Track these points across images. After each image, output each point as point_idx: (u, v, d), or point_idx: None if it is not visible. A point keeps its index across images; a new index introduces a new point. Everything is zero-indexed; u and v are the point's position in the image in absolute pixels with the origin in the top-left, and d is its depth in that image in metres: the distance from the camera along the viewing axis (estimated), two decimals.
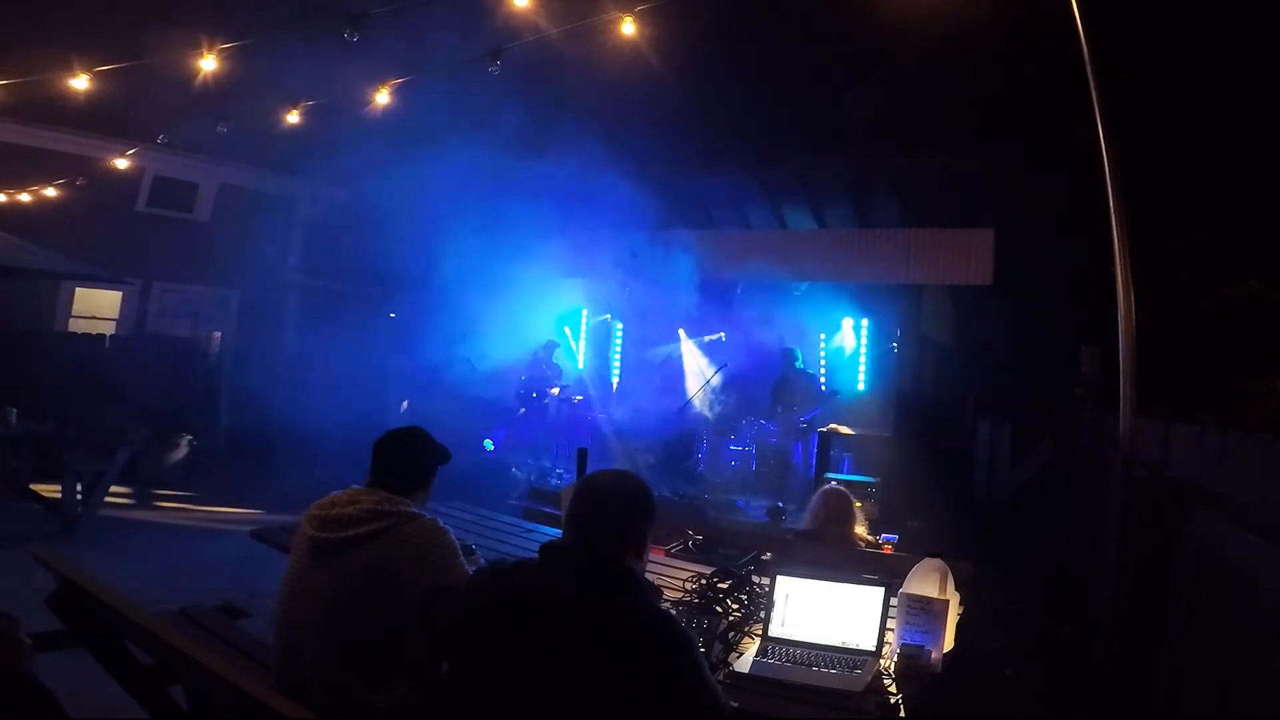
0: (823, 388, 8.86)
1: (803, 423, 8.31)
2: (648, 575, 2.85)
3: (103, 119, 7.76)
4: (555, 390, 9.58)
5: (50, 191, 8.03)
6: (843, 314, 10.02)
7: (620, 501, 1.76)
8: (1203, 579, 2.67)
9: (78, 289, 10.27)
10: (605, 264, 9.43)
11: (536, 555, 1.75)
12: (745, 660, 2.25)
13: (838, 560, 3.11)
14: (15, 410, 6.30)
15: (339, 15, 4.33)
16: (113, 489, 6.55)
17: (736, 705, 1.99)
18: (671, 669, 1.56)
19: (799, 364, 8.69)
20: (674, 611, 2.42)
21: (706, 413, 9.36)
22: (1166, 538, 3.03)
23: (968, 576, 2.75)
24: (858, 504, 3.86)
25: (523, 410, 9.59)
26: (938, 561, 2.45)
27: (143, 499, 7.72)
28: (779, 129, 8.01)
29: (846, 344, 10.15)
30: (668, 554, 3.32)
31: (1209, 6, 5.31)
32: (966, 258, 7.90)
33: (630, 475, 1.85)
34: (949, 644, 2.31)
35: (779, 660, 2.26)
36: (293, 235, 11.56)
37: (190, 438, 8.79)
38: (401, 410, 10.01)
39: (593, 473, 1.86)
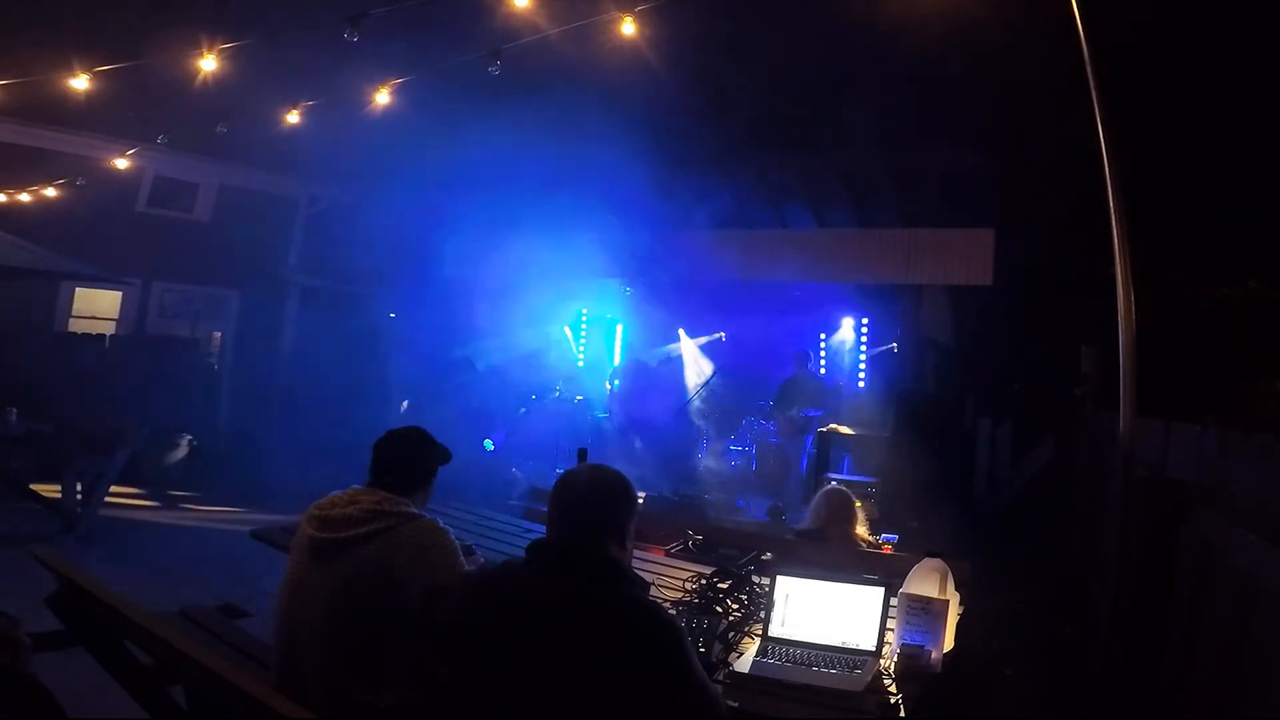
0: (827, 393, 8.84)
1: (802, 417, 8.28)
2: (647, 574, 2.86)
3: (103, 119, 7.74)
4: (555, 391, 9.58)
5: (50, 191, 8.03)
6: (843, 314, 10.03)
7: (598, 493, 1.78)
8: (1203, 579, 2.66)
9: (78, 289, 10.25)
10: (606, 264, 9.43)
11: (523, 554, 1.76)
12: (745, 660, 2.25)
13: (838, 560, 3.11)
14: (15, 410, 6.29)
15: (339, 15, 4.33)
16: (113, 489, 6.54)
17: (736, 705, 1.99)
18: (659, 658, 1.56)
19: (809, 365, 8.72)
20: (673, 611, 2.42)
21: (706, 413, 9.36)
22: (1166, 538, 3.02)
23: (968, 576, 2.75)
24: (858, 504, 3.86)
25: (523, 410, 9.58)
26: (938, 561, 2.45)
27: (143, 499, 7.72)
28: (779, 129, 8.00)
29: (846, 343, 10.17)
30: (667, 554, 3.32)
31: (1210, 6, 5.30)
32: (966, 258, 7.91)
33: (606, 467, 1.87)
34: (949, 644, 2.30)
35: (779, 660, 2.26)
36: (293, 235, 11.54)
37: (190, 438, 8.80)
38: (401, 410, 10.01)
39: (569, 469, 1.87)
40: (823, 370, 9.80)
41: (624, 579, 1.70)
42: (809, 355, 8.73)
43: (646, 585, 1.81)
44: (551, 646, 1.56)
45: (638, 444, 8.91)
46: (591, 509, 1.75)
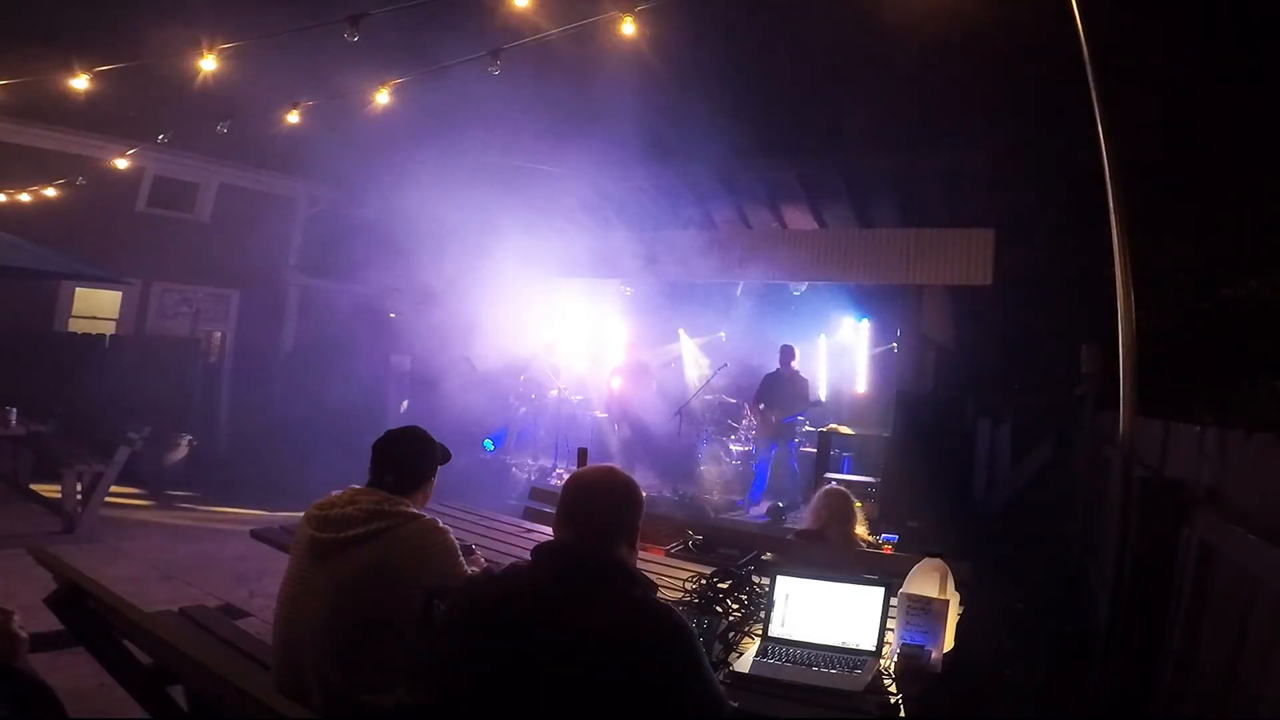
0: (811, 396, 8.60)
1: (781, 424, 8.10)
2: (647, 574, 2.86)
3: (103, 119, 7.76)
4: (555, 390, 9.58)
5: (50, 191, 8.02)
6: (843, 314, 10.03)
7: (608, 495, 1.77)
8: (1203, 579, 2.66)
9: (78, 289, 10.26)
10: (606, 264, 9.43)
11: (528, 557, 1.75)
12: (745, 660, 2.25)
13: (838, 560, 3.11)
14: (15, 410, 6.29)
15: (339, 15, 4.33)
16: (113, 489, 6.55)
17: (736, 705, 1.99)
18: (671, 660, 1.56)
19: (795, 364, 8.55)
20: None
21: (706, 412, 9.36)
22: (1166, 538, 3.02)
23: (968, 576, 2.75)
24: (858, 504, 3.86)
25: (523, 410, 9.58)
26: (938, 561, 2.45)
27: (143, 499, 7.72)
28: (779, 129, 8.01)
29: (846, 344, 10.16)
30: (667, 554, 3.32)
31: (1210, 6, 5.31)
32: (966, 258, 7.90)
33: (615, 469, 1.86)
34: (949, 644, 2.30)
35: (779, 660, 2.26)
36: (293, 235, 11.56)
37: (190, 438, 8.80)
38: (401, 410, 10.01)
39: (578, 470, 1.86)
40: (824, 378, 9.77)
41: (634, 581, 1.69)
42: (794, 353, 8.45)
43: (655, 587, 1.80)
44: (562, 649, 1.55)
45: (637, 444, 8.91)
46: (605, 512, 1.74)
